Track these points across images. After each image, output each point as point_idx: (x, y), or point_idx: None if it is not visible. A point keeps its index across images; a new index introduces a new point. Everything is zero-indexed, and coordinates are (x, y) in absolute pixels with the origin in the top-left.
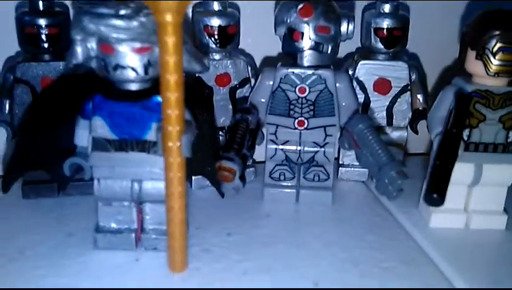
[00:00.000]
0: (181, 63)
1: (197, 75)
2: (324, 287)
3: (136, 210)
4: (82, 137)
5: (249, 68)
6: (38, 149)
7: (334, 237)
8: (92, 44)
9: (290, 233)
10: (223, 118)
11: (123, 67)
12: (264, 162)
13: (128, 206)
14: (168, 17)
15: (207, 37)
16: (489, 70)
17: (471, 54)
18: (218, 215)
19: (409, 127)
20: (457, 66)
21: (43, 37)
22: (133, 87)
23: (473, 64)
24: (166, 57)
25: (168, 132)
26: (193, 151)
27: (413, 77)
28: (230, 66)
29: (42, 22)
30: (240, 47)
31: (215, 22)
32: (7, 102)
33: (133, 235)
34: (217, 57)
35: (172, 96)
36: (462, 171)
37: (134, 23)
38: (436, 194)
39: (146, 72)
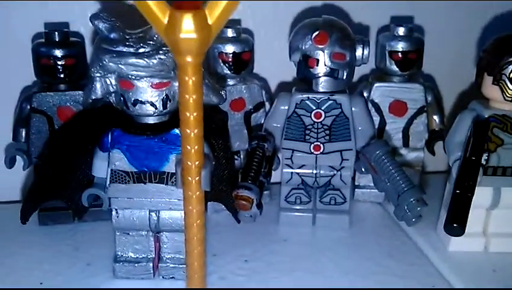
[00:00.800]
0: (201, 101)
1: None
2: None
3: (153, 239)
4: (100, 168)
5: (264, 92)
6: (57, 180)
7: (352, 263)
8: (111, 80)
9: (307, 259)
10: (238, 142)
11: (142, 102)
12: (279, 183)
13: (146, 235)
14: (189, 59)
15: (222, 64)
16: (506, 95)
17: (488, 79)
18: (234, 240)
19: (425, 148)
20: (473, 88)
21: (59, 67)
22: (151, 120)
23: (490, 89)
24: (186, 95)
25: (188, 167)
26: (211, 181)
27: (429, 98)
28: (244, 91)
29: (58, 52)
30: (254, 71)
31: (230, 48)
32: (24, 131)
33: (151, 264)
34: (231, 82)
35: (191, 133)
36: (480, 195)
37: (154, 61)
38: (456, 223)
39: (164, 106)
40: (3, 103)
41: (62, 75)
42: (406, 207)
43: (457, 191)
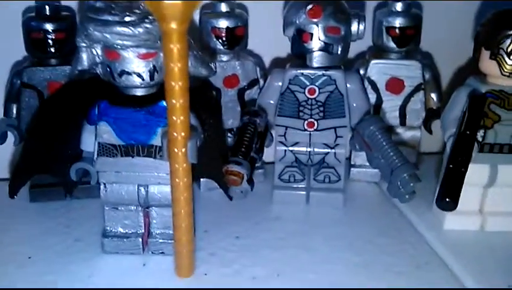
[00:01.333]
0: (186, 70)
1: None
2: None
3: (142, 214)
4: (88, 142)
5: (258, 69)
6: (45, 154)
7: (346, 241)
8: (97, 50)
9: (300, 237)
10: (231, 120)
11: (128, 73)
12: (273, 162)
13: (135, 210)
14: (173, 25)
15: (215, 39)
16: (503, 70)
17: (486, 54)
18: (226, 217)
19: (422, 127)
20: (471, 65)
21: (50, 41)
22: (139, 92)
23: (487, 64)
24: (171, 64)
25: (174, 138)
26: (200, 155)
27: (427, 75)
28: (238, 67)
29: (49, 26)
30: (248, 48)
31: (223, 23)
32: (14, 106)
33: (140, 239)
34: (224, 58)
35: (177, 103)
36: (477, 172)
37: (140, 30)
38: (449, 198)
39: (151, 77)
40: None
41: (53, 49)
42: (399, 183)
43: (451, 166)
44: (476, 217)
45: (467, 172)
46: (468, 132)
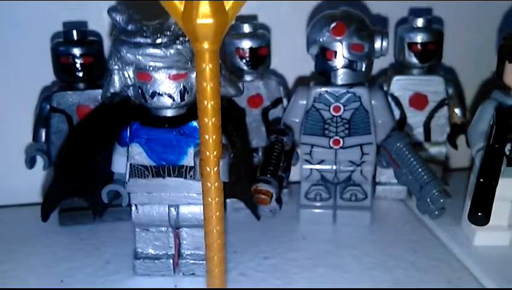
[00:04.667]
0: (218, 89)
1: None
2: None
3: (173, 235)
4: (119, 164)
5: (281, 88)
6: (77, 177)
7: (375, 259)
8: (129, 72)
9: (328, 256)
10: (256, 139)
11: (160, 94)
12: (298, 182)
13: (166, 231)
14: (206, 45)
15: (238, 59)
16: None
17: (509, 67)
18: (253, 238)
19: (447, 142)
20: (494, 79)
21: (78, 66)
22: (169, 113)
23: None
24: (204, 83)
25: (206, 157)
26: (229, 174)
27: (450, 91)
28: (262, 87)
29: (77, 51)
30: (271, 68)
31: (246, 44)
32: (43, 131)
33: (171, 260)
34: (248, 78)
35: (209, 122)
36: (505, 186)
37: (171, 51)
38: (481, 212)
39: (182, 98)
40: (24, 103)
41: (81, 74)
42: (428, 199)
43: (481, 180)
44: (506, 233)
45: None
46: (497, 145)
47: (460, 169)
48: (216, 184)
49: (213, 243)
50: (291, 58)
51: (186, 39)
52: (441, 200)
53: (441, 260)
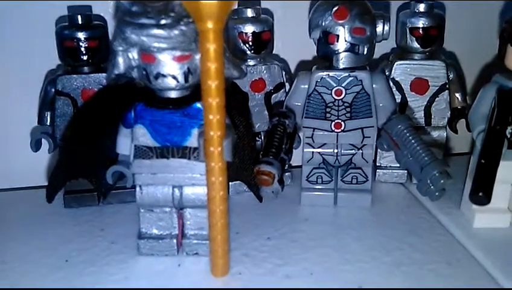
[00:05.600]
0: (222, 69)
1: (232, 80)
2: None
3: (176, 216)
4: (124, 145)
5: (284, 73)
6: (81, 159)
7: (375, 240)
8: (134, 54)
9: (329, 237)
10: (259, 123)
11: (164, 76)
12: (300, 166)
13: (170, 212)
14: (210, 25)
15: (241, 44)
16: None
17: (511, 50)
18: (256, 220)
19: (448, 127)
20: (496, 63)
21: (83, 50)
22: (174, 94)
23: None
24: (208, 63)
25: (210, 137)
26: (232, 156)
27: (451, 75)
28: (264, 72)
29: (81, 35)
30: (273, 52)
31: (249, 28)
32: (49, 114)
33: (175, 240)
34: (251, 62)
35: (213, 102)
36: (506, 169)
37: (175, 32)
38: (482, 192)
39: (186, 79)
40: (29, 87)
41: (85, 57)
42: (429, 181)
43: (482, 161)
44: (505, 215)
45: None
46: (498, 127)
47: (461, 154)
48: (220, 164)
49: (216, 223)
50: (294, 43)
51: (191, 20)
52: (442, 181)
53: (441, 241)
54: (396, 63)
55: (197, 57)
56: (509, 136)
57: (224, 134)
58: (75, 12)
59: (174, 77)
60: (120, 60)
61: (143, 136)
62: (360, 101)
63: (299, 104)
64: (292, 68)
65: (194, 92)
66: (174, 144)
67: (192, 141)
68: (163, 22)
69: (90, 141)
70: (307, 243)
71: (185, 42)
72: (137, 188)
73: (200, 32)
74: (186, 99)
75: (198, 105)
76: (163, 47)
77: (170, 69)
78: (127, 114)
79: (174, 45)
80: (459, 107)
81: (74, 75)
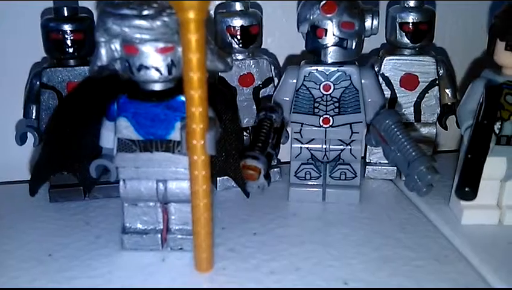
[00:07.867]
0: (204, 61)
1: (220, 75)
2: (355, 287)
3: (161, 210)
4: (107, 139)
5: (272, 68)
6: (65, 152)
7: (363, 236)
8: (116, 45)
9: (317, 233)
10: (247, 118)
11: (147, 68)
12: (289, 162)
13: (154, 206)
14: (191, 15)
15: (229, 38)
16: None
17: (501, 45)
18: (243, 215)
19: (437, 123)
20: (485, 61)
21: (68, 42)
22: (157, 87)
23: (503, 56)
24: (189, 54)
25: (192, 130)
26: (217, 151)
27: (441, 71)
28: (253, 66)
29: (67, 27)
30: (262, 47)
31: (238, 22)
32: (34, 107)
33: (159, 235)
34: (239, 57)
35: (195, 94)
36: (494, 165)
37: (158, 23)
38: (468, 187)
39: (169, 72)
40: (14, 80)
41: (71, 50)
42: (416, 176)
43: (469, 156)
44: (494, 211)
45: (484, 166)
46: (485, 122)
47: (450, 151)
48: (203, 157)
49: (200, 217)
50: (282, 37)
51: (173, 11)
52: (429, 177)
53: (429, 237)
54: (386, 59)
55: (180, 49)
56: (497, 131)
57: (207, 127)
58: (60, 5)
59: (157, 69)
60: (103, 51)
61: (126, 128)
62: (348, 96)
63: (287, 98)
64: (281, 62)
65: (178, 84)
66: (157, 137)
67: (175, 135)
68: (145, 12)
69: (73, 133)
70: (294, 239)
71: (168, 34)
72: (121, 182)
73: (181, 22)
74: (170, 91)
75: (182, 98)
76: (145, 38)
77: (153, 61)
78: (110, 107)
79: (157, 36)
80: (449, 103)
81: (59, 68)
